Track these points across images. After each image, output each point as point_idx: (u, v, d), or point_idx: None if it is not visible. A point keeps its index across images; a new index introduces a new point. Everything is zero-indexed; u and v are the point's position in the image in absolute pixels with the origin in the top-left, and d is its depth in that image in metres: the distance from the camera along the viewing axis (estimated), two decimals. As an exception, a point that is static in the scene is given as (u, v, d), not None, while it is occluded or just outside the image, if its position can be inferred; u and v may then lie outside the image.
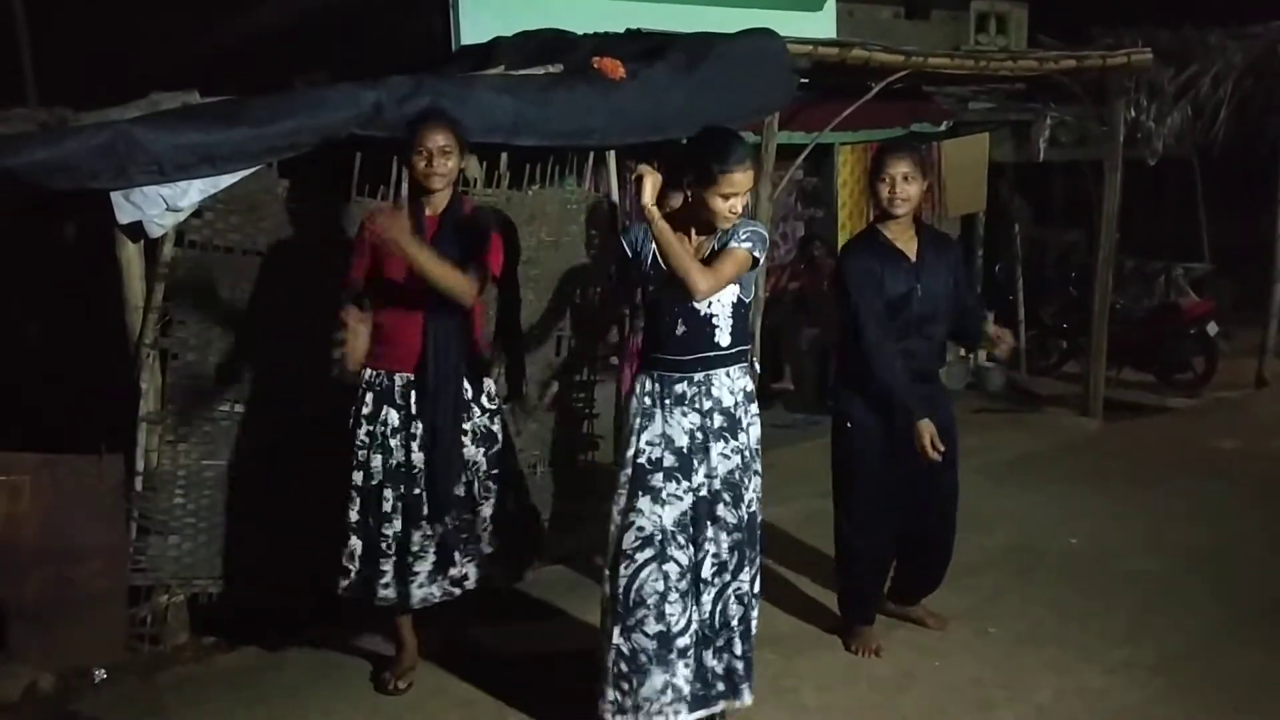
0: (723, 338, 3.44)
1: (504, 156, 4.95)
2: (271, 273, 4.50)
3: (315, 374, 4.17)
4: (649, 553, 3.40)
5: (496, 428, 4.01)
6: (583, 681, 3.62)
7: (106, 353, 4.51)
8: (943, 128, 8.70)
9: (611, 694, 3.43)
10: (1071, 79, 7.33)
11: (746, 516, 3.49)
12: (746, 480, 3.49)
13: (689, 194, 3.41)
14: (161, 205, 4.14)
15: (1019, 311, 9.44)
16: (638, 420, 3.47)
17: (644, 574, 3.40)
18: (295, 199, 4.52)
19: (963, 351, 9.21)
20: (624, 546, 3.41)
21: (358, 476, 3.86)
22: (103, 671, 4.20)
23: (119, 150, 3.98)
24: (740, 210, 3.37)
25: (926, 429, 3.95)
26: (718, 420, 3.44)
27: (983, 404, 8.56)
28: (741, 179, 3.30)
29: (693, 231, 3.43)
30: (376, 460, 3.85)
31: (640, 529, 3.40)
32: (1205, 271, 10.64)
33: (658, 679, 3.39)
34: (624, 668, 3.40)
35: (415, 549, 3.86)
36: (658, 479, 3.42)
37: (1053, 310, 9.78)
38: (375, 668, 4.18)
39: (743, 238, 3.37)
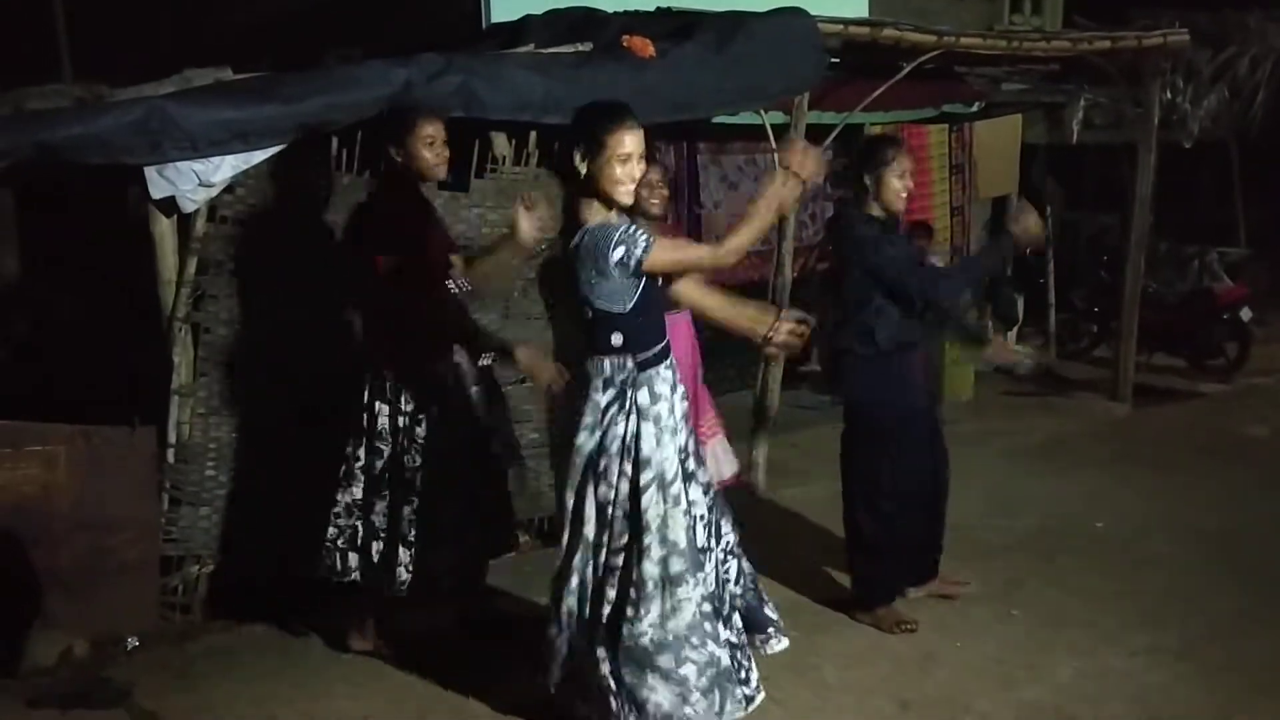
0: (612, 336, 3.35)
1: (533, 135, 4.97)
2: (303, 248, 4.54)
3: (345, 348, 4.22)
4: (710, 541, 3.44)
5: (477, 414, 4.07)
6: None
7: (140, 326, 4.58)
8: (975, 109, 8.63)
9: (740, 690, 3.35)
10: (1106, 60, 7.26)
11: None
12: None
13: (587, 180, 3.21)
14: (194, 180, 4.19)
15: (1050, 295, 9.38)
16: (673, 419, 3.36)
17: (710, 561, 3.42)
18: (328, 174, 4.55)
19: (992, 334, 9.17)
20: (699, 543, 3.36)
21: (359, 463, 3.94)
22: (135, 639, 4.28)
23: (153, 126, 4.03)
24: (638, 177, 3.22)
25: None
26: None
27: (1011, 387, 8.52)
28: (631, 139, 3.17)
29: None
30: (379, 446, 3.91)
31: (703, 517, 3.40)
32: (1241, 256, 10.50)
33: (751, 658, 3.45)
34: (740, 658, 3.40)
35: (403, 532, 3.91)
36: (691, 464, 3.43)
37: (1084, 294, 9.70)
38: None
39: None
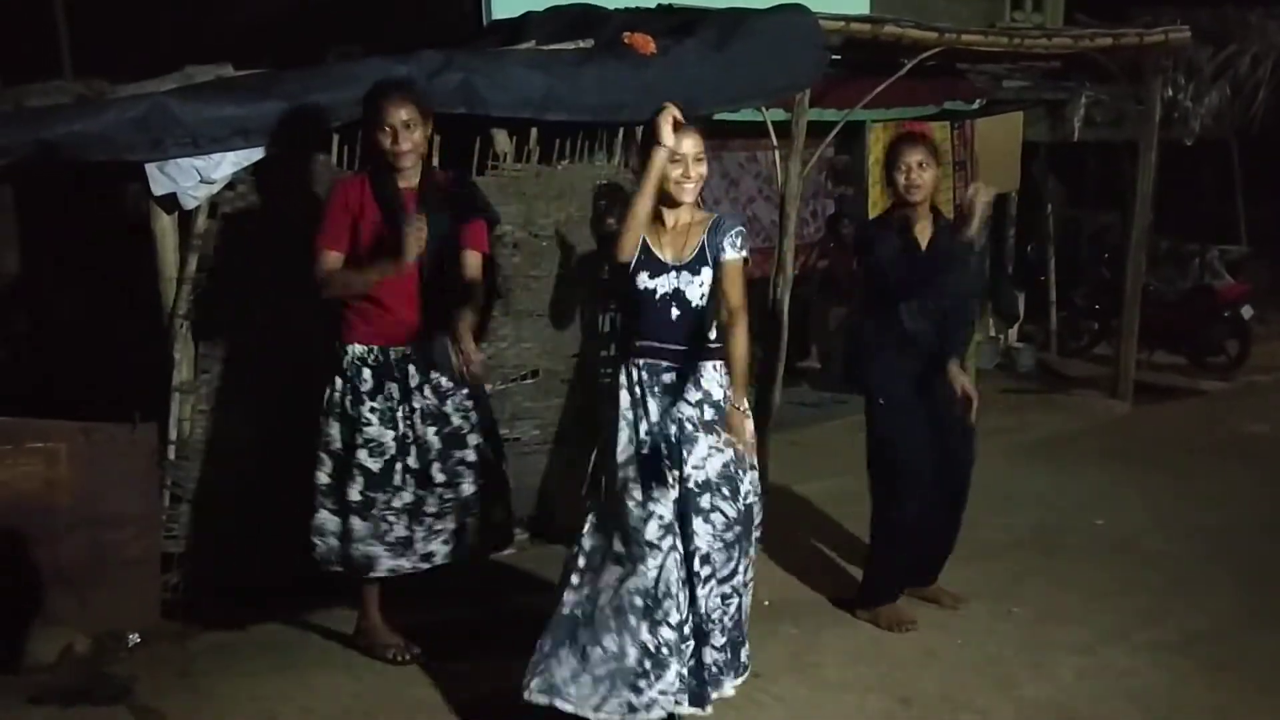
0: (711, 331, 3.44)
1: (534, 131, 4.96)
2: (303, 245, 4.52)
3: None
4: (670, 540, 3.36)
5: (471, 404, 4.00)
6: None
7: (140, 323, 4.58)
8: (976, 106, 8.62)
9: (626, 695, 3.29)
10: (1108, 57, 7.25)
11: (744, 509, 3.42)
12: (742, 474, 3.43)
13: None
14: (195, 177, 4.19)
15: (1050, 292, 9.38)
16: (634, 410, 3.42)
17: (669, 563, 3.34)
18: (328, 171, 4.55)
19: (993, 331, 9.17)
20: (648, 537, 3.33)
21: (363, 454, 3.84)
22: (136, 635, 4.27)
23: (154, 122, 4.03)
24: (694, 177, 3.39)
25: (958, 372, 4.16)
26: (708, 413, 3.38)
27: (1012, 384, 8.52)
28: (688, 144, 3.35)
29: (663, 211, 3.43)
30: (388, 435, 3.86)
31: (661, 518, 3.35)
32: (1242, 254, 10.50)
33: (673, 671, 3.31)
34: (647, 665, 3.30)
35: (418, 519, 3.92)
36: (664, 466, 3.38)
37: (1084, 291, 9.70)
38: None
39: (738, 245, 3.41)
